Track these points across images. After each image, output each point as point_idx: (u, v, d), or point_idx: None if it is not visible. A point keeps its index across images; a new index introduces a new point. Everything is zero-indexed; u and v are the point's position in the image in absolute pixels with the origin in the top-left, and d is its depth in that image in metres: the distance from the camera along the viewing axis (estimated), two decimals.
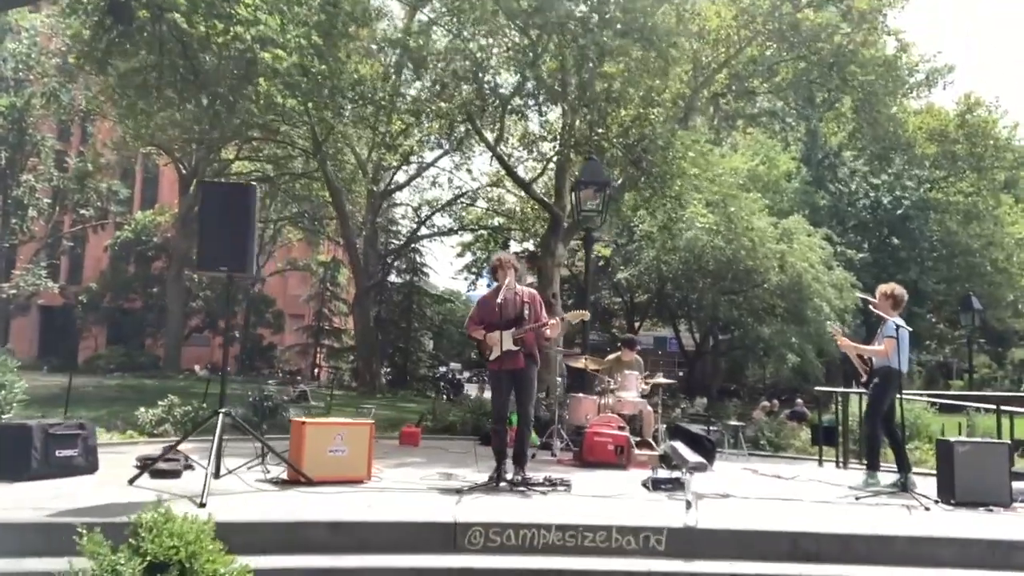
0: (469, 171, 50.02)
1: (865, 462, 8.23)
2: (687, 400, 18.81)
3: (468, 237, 33.49)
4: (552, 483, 6.48)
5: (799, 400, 19.52)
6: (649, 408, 9.58)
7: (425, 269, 37.58)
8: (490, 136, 18.94)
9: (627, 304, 33.13)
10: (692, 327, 31.37)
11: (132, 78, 17.68)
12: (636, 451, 8.71)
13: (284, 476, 6.39)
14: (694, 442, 9.04)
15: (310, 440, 6.35)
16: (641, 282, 27.42)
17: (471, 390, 27.59)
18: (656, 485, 6.71)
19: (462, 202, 30.68)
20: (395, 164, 29.45)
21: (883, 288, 8.00)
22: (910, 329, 7.61)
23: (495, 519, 5.11)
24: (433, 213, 31.78)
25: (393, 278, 37.69)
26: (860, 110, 21.97)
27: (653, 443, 9.11)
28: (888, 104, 21.21)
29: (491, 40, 16.80)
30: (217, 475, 5.93)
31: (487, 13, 15.16)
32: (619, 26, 14.34)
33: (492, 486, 6.38)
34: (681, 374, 35.12)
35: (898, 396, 7.56)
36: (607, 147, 16.91)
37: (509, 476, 6.51)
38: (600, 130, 16.42)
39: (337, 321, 44.72)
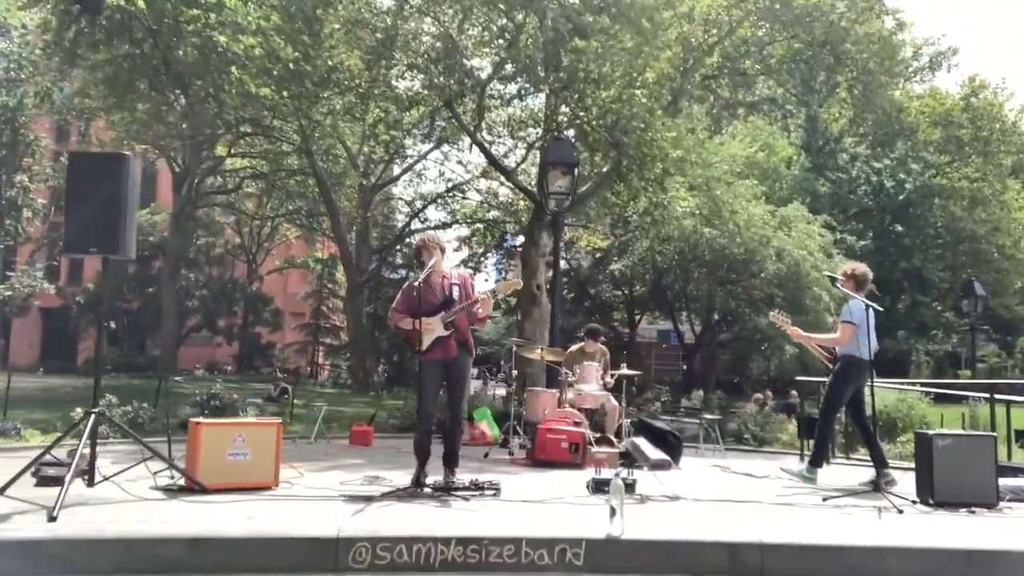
0: (461, 163, 49.34)
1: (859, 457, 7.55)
2: (668, 393, 18.05)
3: (465, 231, 32.87)
4: (479, 487, 5.80)
5: (793, 392, 18.72)
6: (613, 402, 8.86)
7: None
8: (472, 124, 18.25)
9: (627, 297, 32.41)
10: (691, 319, 30.62)
11: (103, 69, 17.13)
12: (595, 448, 8.02)
13: (183, 483, 5.74)
14: (658, 438, 8.37)
15: (206, 442, 5.69)
16: (635, 273, 26.70)
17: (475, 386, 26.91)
18: (598, 487, 6.00)
19: (455, 195, 30.02)
20: (386, 157, 28.84)
21: (845, 268, 7.40)
22: (880, 308, 6.94)
23: (389, 532, 4.45)
24: (425, 207, 31.15)
25: (389, 275, 37.10)
26: (856, 89, 21.14)
27: (614, 440, 8.40)
28: (885, 84, 20.35)
29: (466, 24, 16.12)
30: (91, 483, 5.29)
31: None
32: (595, 1, 13.63)
33: (412, 491, 5.72)
34: (685, 367, 34.44)
35: (868, 386, 6.87)
36: (590, 131, 16.22)
37: (430, 480, 5.84)
38: (582, 113, 15.71)
39: (336, 319, 44.21)
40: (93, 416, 5.31)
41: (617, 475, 5.24)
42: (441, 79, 15.75)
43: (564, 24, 12.99)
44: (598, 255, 30.05)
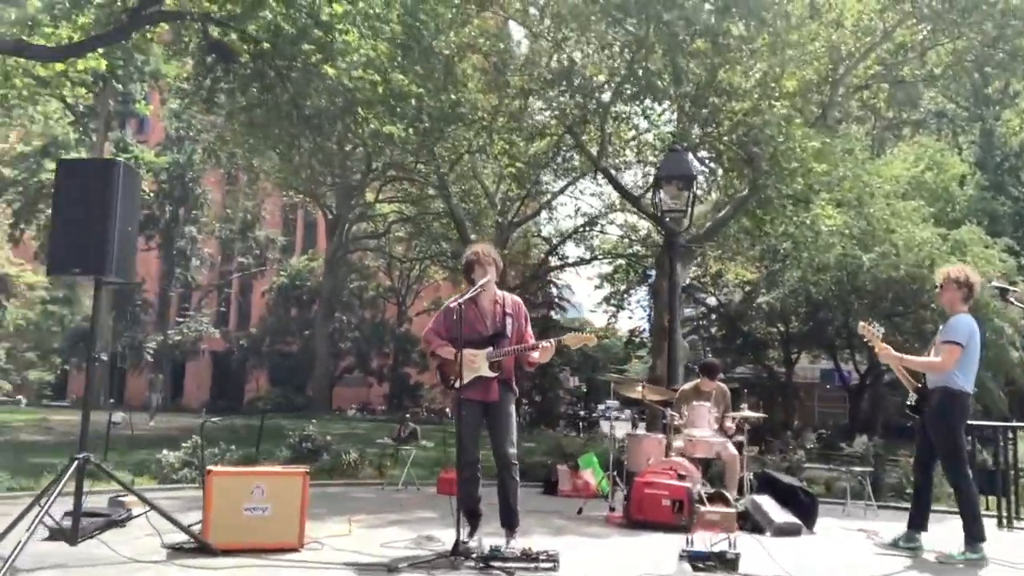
0: (596, 195, 48.41)
1: None
2: (817, 440, 16.07)
3: (607, 267, 31.73)
4: (532, 558, 4.68)
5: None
6: (732, 450, 7.46)
7: (563, 303, 36.02)
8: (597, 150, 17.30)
9: (782, 334, 30.15)
10: (855, 357, 27.97)
11: (238, 116, 17.57)
12: (706, 508, 6.67)
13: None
14: (786, 495, 6.97)
15: (219, 495, 4.90)
16: (789, 307, 24.64)
17: (620, 428, 25.77)
18: (692, 561, 4.74)
19: (589, 229, 29.02)
20: (522, 193, 28.29)
21: (950, 271, 5.74)
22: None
23: None
24: (560, 243, 30.30)
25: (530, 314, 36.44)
26: None
27: (730, 497, 6.98)
28: None
29: (586, 46, 15.26)
30: (73, 542, 4.57)
31: (585, 18, 13.66)
32: (720, 2, 12.44)
33: (451, 560, 4.67)
34: (850, 410, 31.66)
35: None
36: (723, 149, 14.90)
37: (472, 544, 4.80)
38: (711, 129, 14.43)
39: None
40: (76, 462, 4.61)
41: (685, 554, 4.02)
42: (562, 103, 14.94)
43: (684, 28, 11.85)
44: (747, 288, 28.14)
